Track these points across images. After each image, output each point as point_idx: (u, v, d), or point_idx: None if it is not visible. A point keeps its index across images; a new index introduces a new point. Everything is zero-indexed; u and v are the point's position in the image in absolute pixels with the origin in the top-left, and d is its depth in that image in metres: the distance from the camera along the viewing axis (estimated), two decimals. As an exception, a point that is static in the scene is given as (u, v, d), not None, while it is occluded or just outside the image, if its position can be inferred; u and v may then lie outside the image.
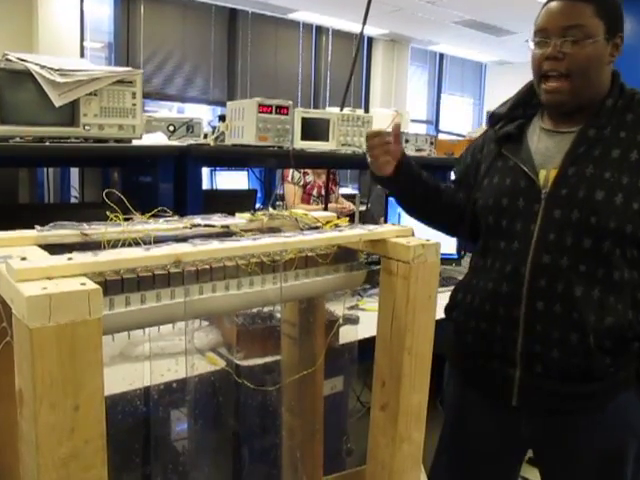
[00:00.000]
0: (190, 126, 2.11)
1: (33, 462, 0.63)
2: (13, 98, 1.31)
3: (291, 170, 3.24)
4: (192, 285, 0.89)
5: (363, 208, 4.68)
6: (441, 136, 5.32)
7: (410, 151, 2.17)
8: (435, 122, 7.85)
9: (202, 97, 5.94)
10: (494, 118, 1.41)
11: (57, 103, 1.33)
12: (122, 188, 1.90)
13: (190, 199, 1.63)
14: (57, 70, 1.33)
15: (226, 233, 1.02)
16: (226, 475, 1.48)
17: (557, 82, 1.23)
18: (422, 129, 7.29)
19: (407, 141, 2.14)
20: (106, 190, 0.89)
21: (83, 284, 0.65)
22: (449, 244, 2.49)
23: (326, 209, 2.59)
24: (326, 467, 1.48)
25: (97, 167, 1.94)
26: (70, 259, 0.69)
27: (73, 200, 2.48)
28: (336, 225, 1.07)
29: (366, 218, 4.08)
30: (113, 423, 1.23)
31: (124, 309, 0.81)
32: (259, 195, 3.26)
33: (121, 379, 1.21)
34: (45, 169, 2.14)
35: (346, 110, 2.17)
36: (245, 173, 3.04)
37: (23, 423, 0.65)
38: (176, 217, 1.03)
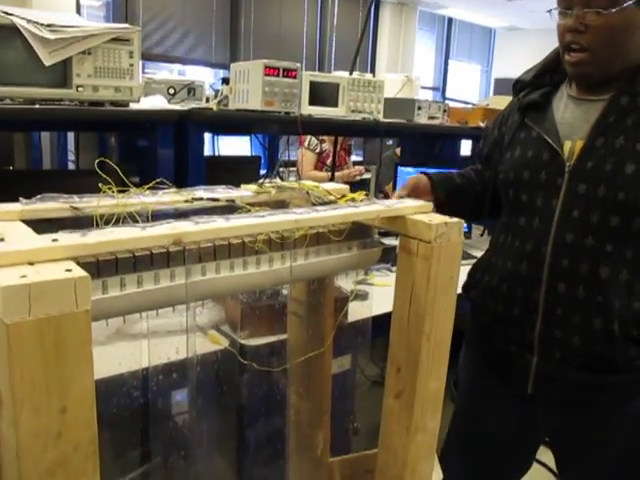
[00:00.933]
0: (191, 89, 2.00)
1: (15, 470, 0.55)
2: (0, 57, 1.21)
3: (308, 135, 3.12)
4: (194, 265, 0.80)
5: (368, 175, 4.59)
6: (453, 103, 5.19)
7: (422, 119, 2.06)
8: (442, 89, 7.65)
9: (204, 60, 5.75)
10: (518, 85, 1.31)
11: (47, 62, 1.22)
12: (119, 154, 1.80)
13: (191, 166, 1.53)
14: (47, 26, 1.22)
15: (231, 207, 0.93)
16: (230, 458, 1.42)
17: (580, 54, 1.13)
18: (428, 96, 7.12)
19: (420, 108, 2.03)
20: (98, 159, 0.79)
21: (69, 270, 0.56)
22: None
23: (333, 178, 2.49)
24: (332, 446, 1.43)
25: (92, 132, 1.83)
26: (55, 240, 0.61)
27: (71, 166, 2.39)
28: (351, 199, 0.98)
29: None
30: (109, 408, 1.17)
31: (119, 292, 0.73)
32: (263, 162, 3.16)
33: (117, 359, 1.14)
34: (40, 132, 2.04)
35: (356, 74, 2.06)
36: (247, 138, 2.92)
37: (2, 425, 0.57)
38: (176, 189, 0.94)
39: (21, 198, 0.82)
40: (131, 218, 0.84)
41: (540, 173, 1.19)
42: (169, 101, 1.91)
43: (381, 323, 1.38)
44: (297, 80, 1.58)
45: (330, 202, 0.97)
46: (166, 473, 1.22)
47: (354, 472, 1.44)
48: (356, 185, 4.11)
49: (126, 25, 1.38)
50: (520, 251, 1.22)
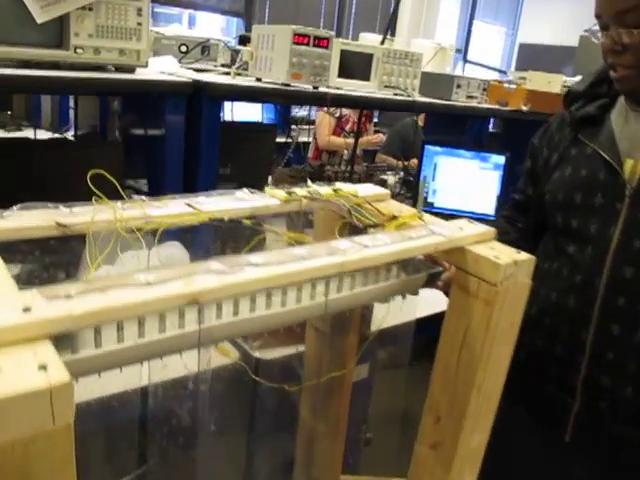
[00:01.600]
0: (206, 47, 1.78)
1: None
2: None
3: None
4: (207, 305, 0.64)
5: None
6: (476, 68, 4.91)
7: (461, 97, 1.85)
8: (464, 51, 7.26)
9: (216, 5, 5.39)
10: (570, 97, 1.15)
11: (39, 19, 1.02)
12: (123, 120, 1.61)
13: (204, 138, 1.34)
14: (40, -26, 1.02)
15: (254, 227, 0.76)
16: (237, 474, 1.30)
17: (623, 71, 1.00)
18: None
19: (459, 86, 1.82)
20: (91, 172, 0.61)
21: (43, 368, 0.40)
22: (485, 202, 2.23)
23: (355, 148, 2.29)
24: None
25: (92, 96, 1.63)
26: (27, 310, 0.44)
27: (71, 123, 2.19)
28: (400, 222, 0.80)
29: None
30: (109, 428, 1.04)
31: (115, 347, 0.57)
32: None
33: (117, 375, 1.00)
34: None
35: (387, 43, 1.84)
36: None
37: None
38: (187, 199, 0.76)
39: (-5, 210, 0.65)
40: (131, 233, 0.68)
41: (595, 196, 1.04)
42: (180, 60, 1.70)
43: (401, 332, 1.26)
44: (329, 50, 1.37)
45: (376, 225, 0.79)
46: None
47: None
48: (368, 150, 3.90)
49: (135, -24, 1.17)
50: (567, 282, 1.07)
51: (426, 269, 0.90)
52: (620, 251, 1.00)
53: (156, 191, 1.55)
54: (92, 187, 0.61)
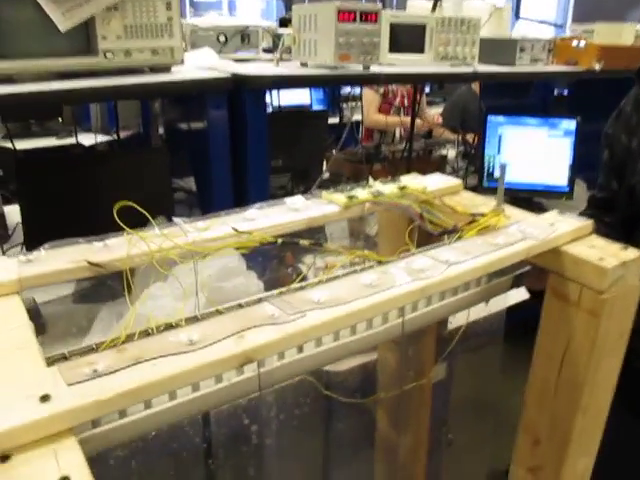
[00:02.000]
0: (245, 35, 1.68)
1: None
2: (6, 24, 0.94)
3: None
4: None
5: (438, 111, 4.16)
6: (529, 24, 4.61)
7: (525, 62, 1.68)
8: (516, 7, 6.85)
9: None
10: None
11: (62, 26, 0.95)
12: (166, 119, 1.54)
13: (251, 133, 1.25)
14: (60, -23, 0.94)
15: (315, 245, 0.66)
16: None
17: None
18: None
19: (522, 50, 1.65)
20: (118, 205, 0.53)
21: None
22: (557, 173, 2.05)
23: (412, 128, 2.15)
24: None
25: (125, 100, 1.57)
26: (46, 399, 0.36)
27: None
28: (482, 226, 0.69)
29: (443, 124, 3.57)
30: (177, 454, 0.98)
31: (166, 405, 0.49)
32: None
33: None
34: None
35: (438, 12, 1.69)
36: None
37: None
38: (235, 214, 0.67)
39: (21, 255, 0.57)
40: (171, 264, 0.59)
41: None
42: (219, 51, 1.61)
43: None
44: (377, 25, 1.24)
45: (453, 230, 0.68)
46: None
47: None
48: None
49: (162, -33, 1.08)
50: None
51: (512, 270, 0.78)
52: None
53: (204, 190, 1.47)
54: (118, 220, 0.52)
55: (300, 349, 0.58)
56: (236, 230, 0.59)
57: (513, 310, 1.10)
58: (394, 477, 1.16)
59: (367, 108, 2.86)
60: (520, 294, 0.93)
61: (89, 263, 0.57)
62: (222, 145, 1.24)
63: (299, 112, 2.07)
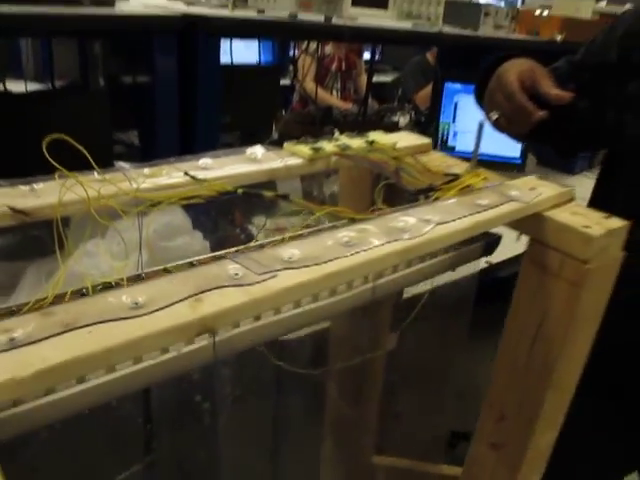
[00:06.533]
0: (197, -23, 1.55)
1: None
2: None
3: None
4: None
5: (388, 79, 4.10)
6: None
7: (488, 28, 1.63)
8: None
9: None
10: None
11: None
12: (107, 66, 1.40)
13: (202, 82, 1.14)
14: None
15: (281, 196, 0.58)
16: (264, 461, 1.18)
17: None
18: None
19: (487, 14, 1.60)
20: (47, 138, 0.43)
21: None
22: (511, 144, 2.03)
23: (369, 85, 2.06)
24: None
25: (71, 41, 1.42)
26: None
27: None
28: (463, 184, 0.63)
29: (394, 92, 3.53)
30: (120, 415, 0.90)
31: (103, 379, 0.40)
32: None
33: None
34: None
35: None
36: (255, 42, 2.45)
37: None
38: (186, 161, 0.59)
39: None
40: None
41: None
42: (168, -7, 1.48)
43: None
44: (342, -27, 1.16)
45: (431, 189, 0.62)
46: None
47: (401, 475, 1.21)
48: (375, 88, 3.64)
49: None
50: None
51: (482, 237, 0.73)
52: None
53: (148, 144, 1.36)
54: (47, 156, 0.43)
55: (258, 317, 0.51)
56: (191, 176, 0.50)
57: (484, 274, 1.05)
58: (342, 443, 1.13)
59: (303, 74, 2.74)
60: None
61: (12, 209, 0.48)
62: (169, 95, 1.14)
63: (248, 67, 1.96)
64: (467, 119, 2.01)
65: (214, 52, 1.12)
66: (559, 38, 1.71)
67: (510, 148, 2.02)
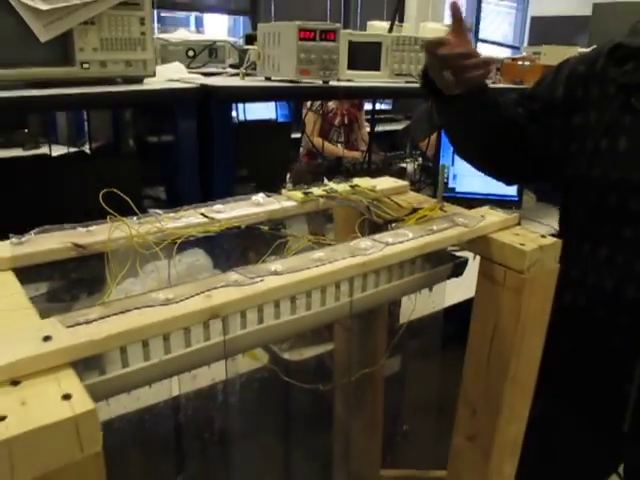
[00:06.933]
0: (213, 50, 1.78)
1: None
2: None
3: None
4: (233, 316, 0.63)
5: (397, 127, 4.31)
6: (488, 46, 4.82)
7: (474, 79, 1.81)
8: (475, 30, 7.13)
9: (222, 6, 5.34)
10: (619, 52, 1.01)
11: (42, 37, 1.02)
12: (136, 129, 1.61)
13: (218, 141, 1.33)
14: (40, -8, 1.02)
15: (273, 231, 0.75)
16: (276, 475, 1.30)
17: None
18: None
19: (472, 67, 1.78)
20: (103, 191, 0.61)
21: (67, 397, 0.39)
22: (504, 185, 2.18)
23: (372, 136, 2.25)
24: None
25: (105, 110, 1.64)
26: (48, 339, 0.43)
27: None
28: (421, 215, 0.79)
29: (404, 139, 3.73)
30: (142, 441, 1.04)
31: (141, 365, 0.56)
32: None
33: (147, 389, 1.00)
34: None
35: (396, 31, 1.81)
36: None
37: None
38: (204, 209, 0.76)
39: (12, 236, 0.65)
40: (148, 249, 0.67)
41: None
42: (188, 65, 1.70)
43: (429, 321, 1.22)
44: (336, 43, 1.35)
45: (396, 219, 0.78)
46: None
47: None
48: (384, 136, 3.84)
49: (135, -15, 1.16)
50: (624, 271, 0.99)
51: (451, 260, 0.88)
52: None
53: (174, 198, 1.54)
54: (104, 205, 0.61)
55: (261, 320, 0.66)
56: (205, 215, 0.67)
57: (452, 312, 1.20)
58: (350, 458, 1.24)
59: (309, 129, 2.93)
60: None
61: (74, 245, 0.65)
62: (191, 154, 1.33)
63: (264, 123, 2.17)
64: (465, 163, 2.17)
65: (226, 115, 1.31)
66: (541, 86, 1.88)
67: (507, 188, 2.18)
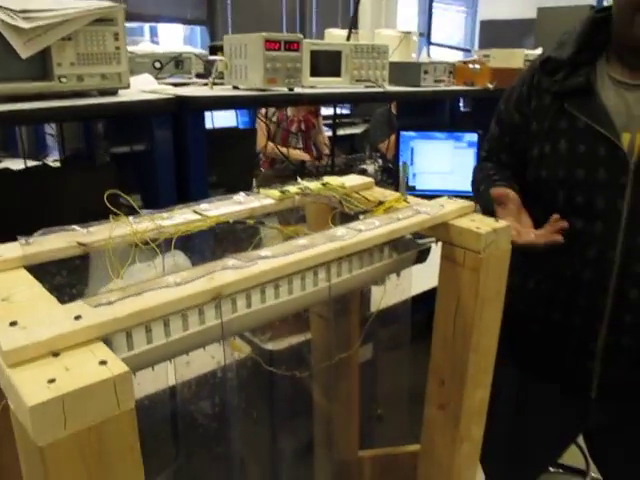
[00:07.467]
0: (179, 62, 1.84)
1: None
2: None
3: None
4: (225, 302, 0.71)
5: (357, 131, 4.44)
6: (441, 50, 4.99)
7: (429, 82, 1.93)
8: (427, 34, 7.35)
9: (178, 16, 5.38)
10: (550, 65, 1.12)
11: (23, 54, 1.08)
12: (108, 140, 1.66)
13: (192, 150, 1.40)
14: (20, 12, 1.07)
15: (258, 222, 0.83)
16: (262, 462, 1.37)
17: None
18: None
19: (426, 72, 1.90)
20: (108, 192, 0.68)
21: (104, 363, 0.47)
22: (463, 180, 2.30)
23: (334, 140, 2.34)
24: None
25: (79, 122, 1.69)
26: (79, 318, 0.50)
27: (50, 144, 2.22)
28: (387, 206, 0.88)
29: (364, 142, 3.85)
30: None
31: (145, 347, 0.63)
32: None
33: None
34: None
35: (353, 40, 1.92)
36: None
37: None
38: (193, 208, 0.83)
39: (20, 237, 0.71)
40: (145, 245, 0.74)
41: (597, 171, 1.05)
42: (156, 76, 1.76)
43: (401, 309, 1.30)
44: (300, 53, 1.44)
45: (365, 211, 0.87)
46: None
47: (385, 466, 1.41)
48: (344, 139, 3.95)
49: (108, 3, 1.23)
50: (581, 258, 1.09)
51: (415, 247, 0.98)
52: (631, 223, 1.03)
53: (151, 204, 1.60)
54: (108, 204, 0.68)
55: (249, 305, 0.74)
56: (197, 212, 0.75)
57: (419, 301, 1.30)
58: (330, 441, 1.32)
59: (259, 136, 2.98)
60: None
61: (78, 243, 0.71)
62: (167, 162, 1.39)
63: (230, 130, 2.23)
64: (423, 162, 2.30)
65: (200, 123, 1.38)
66: (491, 86, 2.01)
67: (463, 183, 2.30)
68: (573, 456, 2.14)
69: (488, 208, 1.17)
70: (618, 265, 1.06)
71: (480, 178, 1.27)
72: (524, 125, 1.18)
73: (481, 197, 1.22)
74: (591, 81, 1.07)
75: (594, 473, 2.28)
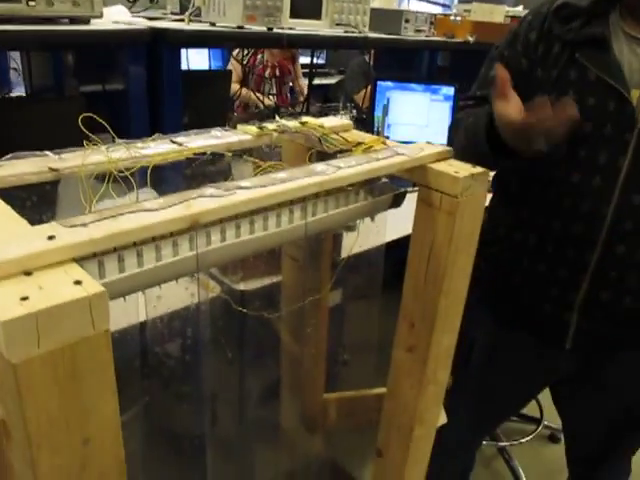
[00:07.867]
0: (153, -5, 1.77)
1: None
2: None
3: None
4: (200, 234, 0.70)
5: (331, 81, 4.37)
6: (424, 4, 4.90)
7: (409, 32, 1.90)
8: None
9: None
10: (566, 11, 1.07)
11: (-10, -27, 1.02)
12: (79, 74, 1.60)
13: (167, 87, 1.36)
14: None
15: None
16: (229, 403, 1.39)
17: None
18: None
19: (407, 21, 1.86)
20: (82, 115, 0.66)
21: (78, 283, 0.46)
22: (438, 133, 2.30)
23: (310, 85, 2.30)
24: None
25: (47, 51, 1.61)
26: (52, 238, 0.49)
27: (14, 79, 2.13)
28: (367, 146, 0.87)
29: (338, 92, 3.80)
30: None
31: (117, 276, 0.62)
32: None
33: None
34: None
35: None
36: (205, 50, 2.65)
37: (15, 463, 0.49)
38: (170, 139, 0.81)
39: (-13, 161, 0.68)
40: (120, 173, 0.73)
41: (605, 126, 1.03)
42: (130, 9, 1.69)
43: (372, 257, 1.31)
44: (280, -10, 1.39)
45: (344, 150, 0.86)
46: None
47: (349, 409, 1.44)
48: (318, 89, 3.89)
49: None
50: (572, 211, 1.09)
51: (391, 190, 0.98)
52: (629, 180, 1.03)
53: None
54: (83, 128, 0.65)
55: (223, 238, 0.74)
56: (174, 142, 0.73)
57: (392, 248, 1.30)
58: (296, 382, 1.35)
59: (235, 79, 2.90)
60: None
61: (50, 168, 0.69)
62: (141, 100, 1.35)
63: (204, 72, 2.17)
64: (398, 113, 2.28)
65: (176, 60, 1.34)
66: (471, 39, 1.99)
67: (438, 136, 2.30)
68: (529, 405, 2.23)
69: (479, 138, 1.11)
70: (609, 221, 1.06)
71: (470, 121, 1.21)
72: (529, 72, 1.15)
73: (473, 126, 1.15)
74: (606, 34, 1.04)
75: (547, 421, 2.39)
